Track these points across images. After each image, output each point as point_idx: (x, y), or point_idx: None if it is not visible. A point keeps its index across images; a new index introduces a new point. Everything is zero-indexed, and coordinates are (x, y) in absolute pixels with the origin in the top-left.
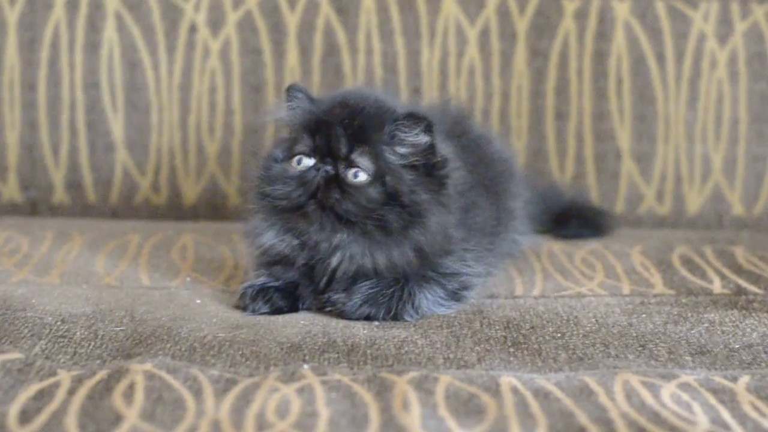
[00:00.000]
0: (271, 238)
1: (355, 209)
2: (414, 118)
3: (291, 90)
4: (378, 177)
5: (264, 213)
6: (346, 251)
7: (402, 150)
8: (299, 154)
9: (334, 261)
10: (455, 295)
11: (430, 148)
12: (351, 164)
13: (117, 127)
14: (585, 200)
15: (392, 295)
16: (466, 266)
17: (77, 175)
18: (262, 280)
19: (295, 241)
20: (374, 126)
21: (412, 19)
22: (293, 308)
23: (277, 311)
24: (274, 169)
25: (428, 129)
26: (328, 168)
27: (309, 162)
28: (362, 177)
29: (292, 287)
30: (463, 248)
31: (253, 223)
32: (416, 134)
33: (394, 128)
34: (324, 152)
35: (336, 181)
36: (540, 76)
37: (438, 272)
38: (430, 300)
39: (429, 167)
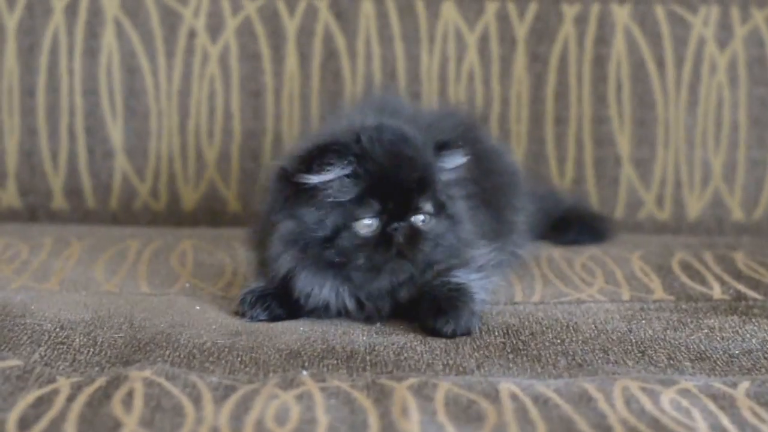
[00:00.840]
0: (314, 285)
1: (431, 250)
2: (454, 145)
3: (339, 154)
4: (438, 212)
5: (310, 265)
6: (411, 283)
7: (445, 175)
8: (366, 217)
9: (402, 294)
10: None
11: (463, 164)
12: (417, 211)
13: (116, 133)
14: (584, 206)
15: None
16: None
17: (76, 181)
18: (261, 286)
19: (343, 288)
20: (429, 169)
21: (411, 25)
22: (292, 315)
23: (275, 318)
24: (345, 240)
25: (464, 149)
26: (403, 224)
27: (375, 221)
28: (428, 219)
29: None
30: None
31: (289, 268)
32: (458, 158)
33: (440, 160)
34: (392, 212)
35: (412, 232)
36: (539, 81)
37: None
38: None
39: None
